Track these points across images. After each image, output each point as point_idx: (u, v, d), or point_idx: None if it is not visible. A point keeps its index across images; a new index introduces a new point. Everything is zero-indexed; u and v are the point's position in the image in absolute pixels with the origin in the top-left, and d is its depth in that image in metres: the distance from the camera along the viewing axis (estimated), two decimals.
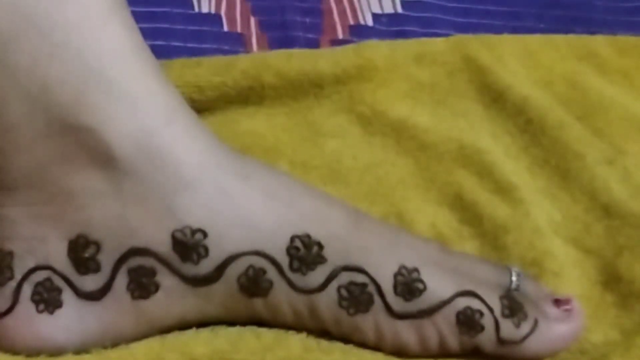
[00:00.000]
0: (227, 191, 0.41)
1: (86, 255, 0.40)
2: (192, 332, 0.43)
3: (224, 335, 0.43)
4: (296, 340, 0.43)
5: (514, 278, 0.46)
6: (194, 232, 0.40)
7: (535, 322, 0.44)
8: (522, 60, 0.61)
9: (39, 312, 0.41)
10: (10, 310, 0.41)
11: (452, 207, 0.53)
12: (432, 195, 0.53)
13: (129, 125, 0.39)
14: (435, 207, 0.53)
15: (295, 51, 0.58)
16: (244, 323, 0.43)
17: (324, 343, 0.44)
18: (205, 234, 0.40)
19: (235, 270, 0.41)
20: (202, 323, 0.43)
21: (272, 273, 0.41)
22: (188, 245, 0.40)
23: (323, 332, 0.44)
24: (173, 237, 0.40)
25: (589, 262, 0.51)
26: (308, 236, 0.42)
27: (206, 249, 0.41)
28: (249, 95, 0.55)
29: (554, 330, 0.44)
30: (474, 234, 0.52)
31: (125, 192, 0.40)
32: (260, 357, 0.42)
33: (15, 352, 0.41)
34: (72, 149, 0.39)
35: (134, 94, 0.40)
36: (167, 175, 0.40)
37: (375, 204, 0.49)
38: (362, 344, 0.44)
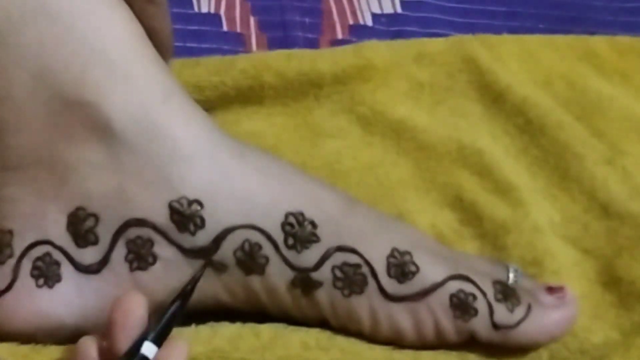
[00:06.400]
0: (222, 166, 0.42)
1: (85, 227, 0.41)
2: (191, 330, 0.43)
3: (223, 334, 0.43)
4: (295, 339, 0.43)
5: (511, 274, 0.46)
6: (190, 202, 0.41)
7: (529, 307, 0.44)
8: (522, 60, 0.61)
9: (39, 286, 0.42)
10: (9, 287, 0.41)
11: (452, 207, 0.53)
12: (432, 196, 0.53)
13: (128, 100, 0.41)
14: (436, 208, 0.53)
15: (295, 51, 0.58)
16: (243, 309, 0.44)
17: (323, 341, 0.44)
18: (201, 205, 0.41)
19: (231, 243, 0.42)
20: (202, 311, 0.43)
21: (267, 249, 0.42)
22: (185, 215, 0.41)
23: (321, 323, 0.44)
24: (170, 207, 0.41)
25: (588, 262, 0.51)
26: (302, 214, 0.42)
27: (202, 220, 0.41)
28: (248, 95, 0.55)
29: (548, 316, 0.45)
30: (474, 234, 0.52)
31: (123, 164, 0.41)
32: (259, 355, 0.43)
33: (16, 329, 0.41)
34: (72, 123, 0.41)
35: (133, 74, 0.41)
36: (164, 148, 0.41)
37: (375, 204, 0.49)
38: (359, 334, 0.44)
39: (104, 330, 0.39)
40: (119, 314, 0.39)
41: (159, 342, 0.39)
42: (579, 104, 0.59)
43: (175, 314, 0.40)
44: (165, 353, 0.39)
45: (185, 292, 0.41)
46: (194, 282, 0.41)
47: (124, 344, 0.38)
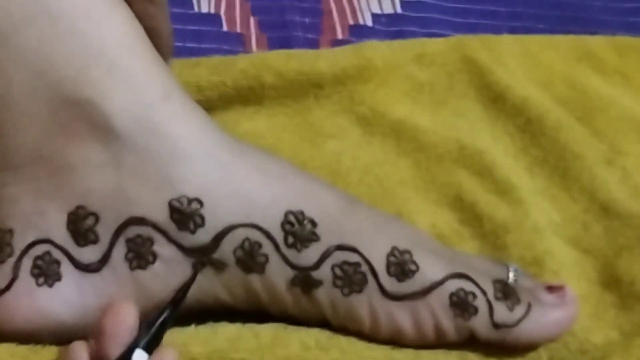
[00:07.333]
0: (222, 165, 0.42)
1: (85, 226, 0.41)
2: (191, 330, 0.43)
3: (223, 334, 0.43)
4: (295, 339, 0.43)
5: (511, 274, 0.46)
6: (190, 201, 0.41)
7: (529, 306, 0.44)
8: (522, 60, 0.61)
9: (39, 285, 0.42)
10: (10, 286, 0.42)
11: (452, 207, 0.53)
12: (432, 196, 0.53)
13: (128, 99, 0.41)
14: (435, 208, 0.53)
15: (295, 51, 0.58)
16: (243, 308, 0.44)
17: (323, 341, 0.44)
18: (201, 203, 0.41)
19: (231, 242, 0.42)
20: (202, 311, 0.43)
21: (267, 248, 0.42)
22: (185, 213, 0.41)
23: (321, 323, 0.44)
24: (170, 205, 0.41)
25: (588, 262, 0.51)
26: (302, 213, 0.42)
27: (202, 218, 0.41)
28: (248, 96, 0.55)
29: (548, 315, 0.45)
30: (474, 234, 0.52)
31: (123, 163, 0.41)
32: (259, 356, 0.43)
33: (16, 328, 0.41)
34: (72, 122, 0.41)
35: (133, 72, 0.41)
36: (164, 147, 0.41)
37: (375, 204, 0.49)
38: (359, 333, 0.44)
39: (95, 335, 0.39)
40: (108, 322, 0.39)
41: (149, 349, 0.39)
42: (579, 104, 0.59)
43: (166, 320, 0.40)
44: None
45: (177, 299, 0.41)
46: (185, 288, 0.41)
47: (114, 352, 0.38)
